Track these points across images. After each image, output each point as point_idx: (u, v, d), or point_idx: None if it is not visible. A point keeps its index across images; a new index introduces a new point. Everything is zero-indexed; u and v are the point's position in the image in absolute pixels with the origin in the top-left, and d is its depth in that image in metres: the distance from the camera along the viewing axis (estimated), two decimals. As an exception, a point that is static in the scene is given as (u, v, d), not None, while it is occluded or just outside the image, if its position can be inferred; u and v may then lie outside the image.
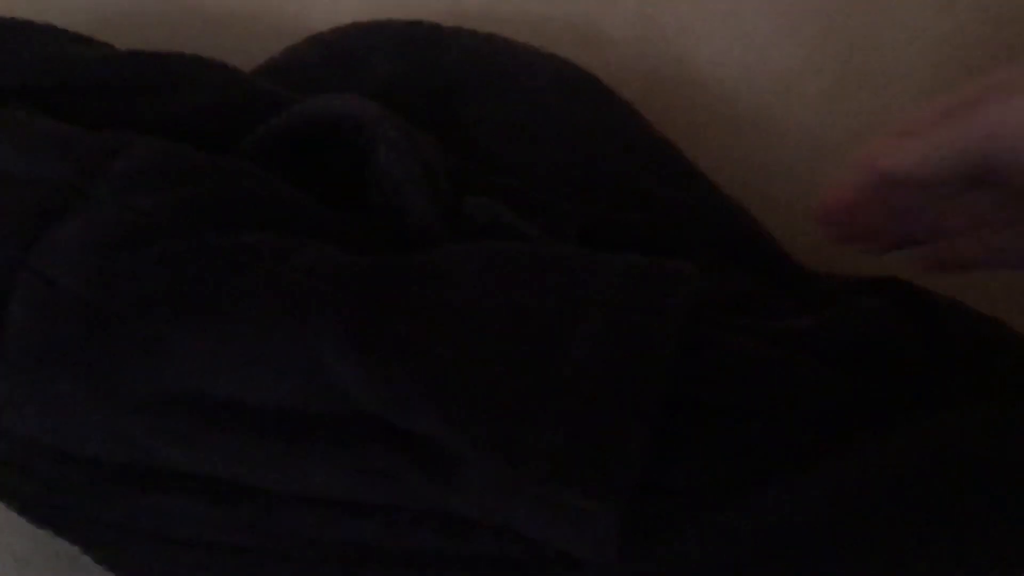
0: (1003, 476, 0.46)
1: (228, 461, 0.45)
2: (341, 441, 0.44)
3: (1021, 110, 0.39)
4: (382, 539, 0.45)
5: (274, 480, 0.45)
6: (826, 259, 0.61)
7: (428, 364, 0.43)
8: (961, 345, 0.50)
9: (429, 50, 0.63)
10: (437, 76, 0.63)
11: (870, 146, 0.46)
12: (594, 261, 0.47)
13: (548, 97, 0.61)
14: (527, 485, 0.42)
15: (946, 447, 0.46)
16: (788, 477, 0.45)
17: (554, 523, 0.42)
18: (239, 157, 0.50)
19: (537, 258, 0.46)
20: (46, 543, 0.52)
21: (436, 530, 0.45)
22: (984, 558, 0.45)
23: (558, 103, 0.61)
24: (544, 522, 0.42)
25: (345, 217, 0.52)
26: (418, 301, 0.45)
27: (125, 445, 0.45)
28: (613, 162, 0.61)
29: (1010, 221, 0.47)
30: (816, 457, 0.46)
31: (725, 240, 0.59)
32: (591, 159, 0.61)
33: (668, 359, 0.43)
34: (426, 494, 0.44)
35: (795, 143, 0.69)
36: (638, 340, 0.43)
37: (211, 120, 0.56)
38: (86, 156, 0.47)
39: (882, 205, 0.47)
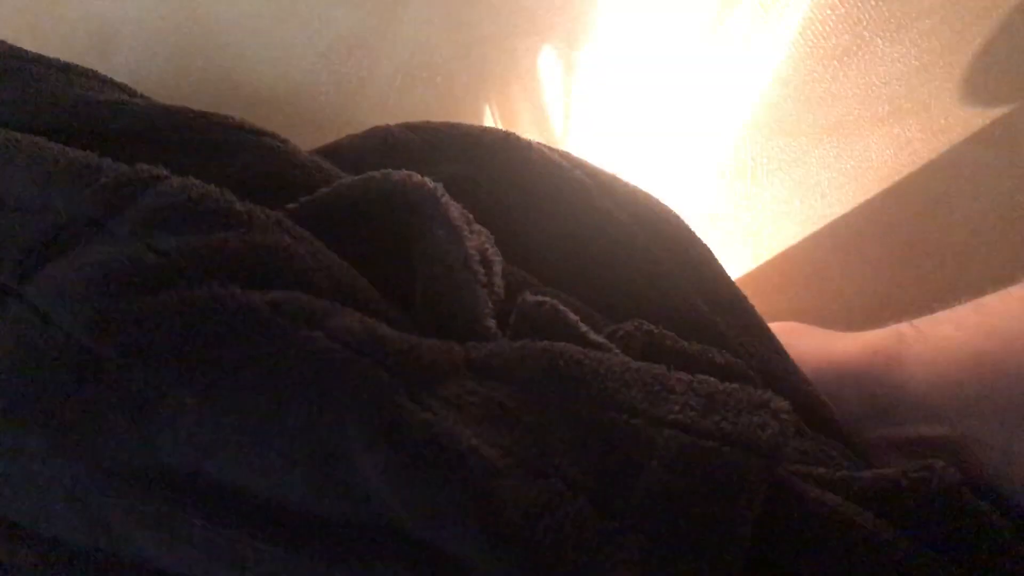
0: None
1: (212, 560, 0.37)
2: (352, 552, 0.36)
3: None
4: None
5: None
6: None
7: (474, 471, 0.35)
8: None
9: (499, 156, 0.58)
10: (504, 185, 0.57)
11: None
12: (672, 378, 0.40)
13: (622, 227, 0.56)
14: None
15: None
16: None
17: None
18: (282, 215, 0.44)
19: (607, 365, 0.40)
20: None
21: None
22: None
23: (634, 236, 0.55)
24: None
25: (387, 300, 0.45)
26: (468, 394, 0.38)
27: (93, 528, 0.38)
28: (684, 301, 0.55)
29: None
30: None
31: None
32: (662, 296, 0.54)
33: (760, 503, 0.36)
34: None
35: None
36: (727, 476, 0.36)
37: (252, 188, 0.50)
38: (113, 186, 0.41)
39: None
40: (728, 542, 0.35)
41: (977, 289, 0.64)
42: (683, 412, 0.38)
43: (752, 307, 0.55)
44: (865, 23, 0.67)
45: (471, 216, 0.48)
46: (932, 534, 0.42)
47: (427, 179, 0.47)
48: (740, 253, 0.73)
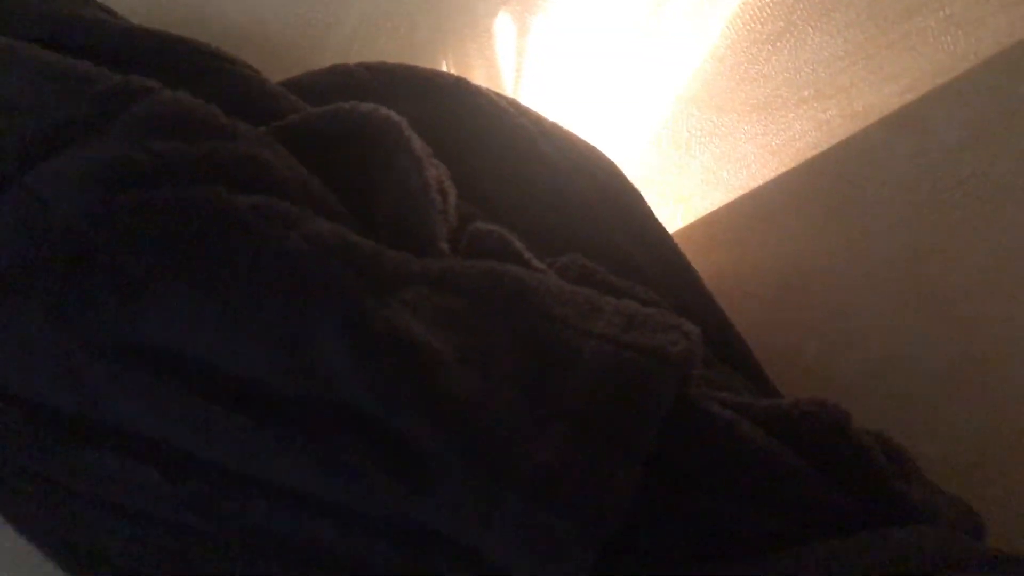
0: None
1: (186, 427, 0.41)
2: (313, 427, 0.42)
3: None
4: (334, 542, 0.42)
5: (232, 458, 0.42)
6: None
7: (426, 361, 0.41)
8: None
9: (451, 99, 0.63)
10: (455, 127, 0.63)
11: None
12: (601, 300, 0.46)
13: (561, 172, 0.62)
14: (509, 502, 0.39)
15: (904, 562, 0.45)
16: (749, 563, 0.44)
17: (528, 548, 0.40)
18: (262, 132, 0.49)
19: (546, 285, 0.46)
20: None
21: (393, 543, 0.42)
22: None
23: (571, 180, 0.62)
24: (518, 545, 0.40)
25: (354, 218, 0.50)
26: (424, 300, 0.43)
27: (77, 392, 0.42)
28: (612, 241, 0.61)
29: None
30: (779, 548, 0.45)
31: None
32: (595, 235, 0.61)
33: (668, 405, 0.42)
34: (392, 500, 0.41)
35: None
36: (641, 380, 0.42)
37: (226, 112, 0.55)
38: (108, 93, 0.45)
39: None
40: (638, 435, 0.41)
41: (879, 264, 0.72)
42: (608, 327, 0.44)
43: (676, 247, 0.61)
44: (797, 11, 0.74)
45: (431, 150, 0.53)
46: (816, 459, 0.48)
47: (392, 112, 0.52)
48: (670, 214, 0.80)
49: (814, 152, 0.76)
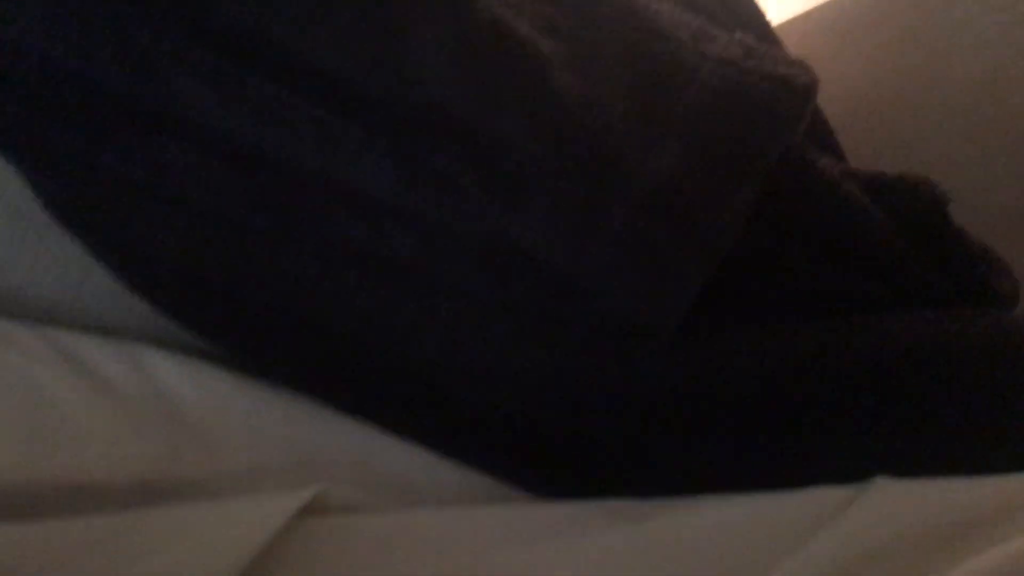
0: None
1: (260, 115, 0.37)
2: (402, 129, 0.37)
3: None
4: (414, 257, 0.39)
5: (309, 157, 0.38)
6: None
7: (531, 61, 0.37)
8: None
9: None
10: None
11: None
12: (714, 29, 0.42)
13: None
14: (614, 216, 0.36)
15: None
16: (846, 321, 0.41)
17: (631, 266, 0.36)
18: None
19: (655, 8, 0.41)
20: None
21: (478, 263, 0.39)
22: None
23: None
24: (620, 264, 0.36)
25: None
26: (525, 5, 0.39)
27: (141, 69, 0.37)
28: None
29: None
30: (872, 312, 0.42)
31: None
32: None
33: (790, 136, 0.38)
34: (482, 213, 0.38)
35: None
36: (767, 104, 0.39)
37: None
38: None
39: None
40: (759, 159, 0.37)
41: (955, 90, 0.67)
42: (726, 52, 0.40)
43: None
44: None
45: None
46: (915, 236, 0.45)
47: None
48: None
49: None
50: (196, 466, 0.40)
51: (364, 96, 0.37)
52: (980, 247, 0.48)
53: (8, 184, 0.45)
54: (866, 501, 0.39)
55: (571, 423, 0.40)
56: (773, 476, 0.40)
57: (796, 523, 0.38)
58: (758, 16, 0.54)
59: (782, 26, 0.74)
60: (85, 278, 0.45)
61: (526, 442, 0.41)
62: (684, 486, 0.39)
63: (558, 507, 0.39)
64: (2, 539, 0.32)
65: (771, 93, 0.38)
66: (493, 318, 0.38)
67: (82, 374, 0.40)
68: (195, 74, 0.37)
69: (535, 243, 0.37)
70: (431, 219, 0.38)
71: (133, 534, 0.34)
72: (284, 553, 0.36)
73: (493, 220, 0.37)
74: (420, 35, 0.37)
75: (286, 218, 0.38)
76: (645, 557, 0.36)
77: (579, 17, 0.40)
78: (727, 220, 0.36)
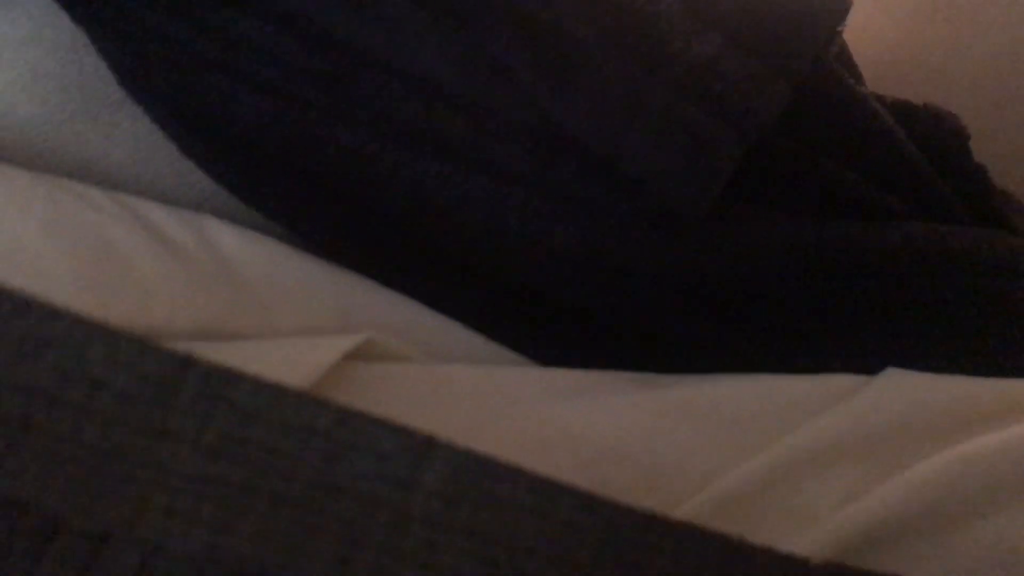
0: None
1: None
2: (464, 15, 0.40)
3: None
4: (465, 137, 0.42)
5: (373, 35, 0.41)
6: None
7: None
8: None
9: None
10: None
11: None
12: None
13: None
14: (657, 97, 0.39)
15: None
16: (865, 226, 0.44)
17: (671, 146, 0.39)
18: None
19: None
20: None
21: (525, 146, 0.41)
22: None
23: None
24: (659, 144, 0.39)
25: None
26: None
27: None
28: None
29: None
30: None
31: None
32: None
33: (825, 41, 0.41)
34: (532, 94, 0.40)
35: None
36: (805, 6, 0.41)
37: None
38: None
39: None
40: (796, 56, 0.40)
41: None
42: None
43: None
44: None
45: None
46: (935, 162, 0.48)
47: None
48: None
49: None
50: (251, 322, 0.43)
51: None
52: (998, 188, 0.51)
53: (84, 63, 0.48)
54: (877, 387, 0.42)
55: (603, 301, 0.42)
56: (789, 362, 0.42)
57: (809, 400, 0.41)
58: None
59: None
60: (152, 154, 0.48)
61: (557, 319, 0.43)
62: (701, 366, 0.42)
63: (588, 373, 0.41)
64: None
65: (810, 1, 0.41)
66: (535, 199, 0.41)
67: (150, 234, 0.43)
68: None
69: (580, 124, 0.40)
70: (483, 101, 0.41)
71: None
72: (333, 392, 0.38)
73: (541, 103, 0.40)
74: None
75: (347, 95, 0.41)
76: (671, 415, 0.39)
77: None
78: (764, 107, 0.39)
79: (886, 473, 0.39)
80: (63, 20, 0.46)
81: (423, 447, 0.27)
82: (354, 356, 0.40)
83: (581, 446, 0.37)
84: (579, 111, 0.40)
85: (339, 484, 0.26)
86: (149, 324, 0.41)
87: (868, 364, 0.42)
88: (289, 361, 0.38)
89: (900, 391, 0.41)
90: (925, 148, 0.48)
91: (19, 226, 0.41)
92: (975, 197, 0.48)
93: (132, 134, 0.48)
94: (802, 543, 0.35)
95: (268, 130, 0.42)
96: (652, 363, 0.43)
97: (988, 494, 0.35)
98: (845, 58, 0.54)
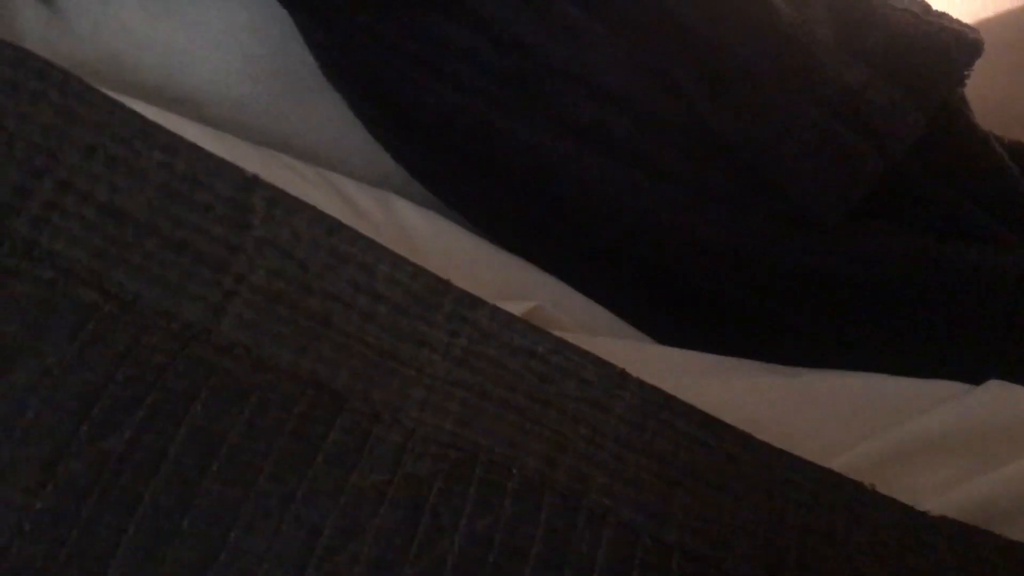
0: None
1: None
2: (638, 32, 0.47)
3: None
4: (627, 138, 0.48)
5: (556, 46, 0.47)
6: None
7: None
8: None
9: None
10: None
11: None
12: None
13: None
14: (811, 115, 0.44)
15: None
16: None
17: (821, 156, 0.44)
18: None
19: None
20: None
21: (682, 150, 0.47)
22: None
23: None
24: (811, 154, 0.45)
25: None
26: None
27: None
28: None
29: None
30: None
31: None
32: None
33: (958, 78, 0.46)
34: (693, 105, 0.46)
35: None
36: (941, 47, 0.46)
37: None
38: None
39: None
40: (932, 89, 0.45)
41: None
42: (911, 5, 0.48)
43: None
44: None
45: None
46: None
47: None
48: None
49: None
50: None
51: (614, 2, 0.47)
52: None
53: (290, 51, 0.56)
54: (980, 395, 0.46)
55: (738, 292, 0.48)
56: (900, 365, 0.47)
57: (918, 398, 0.46)
58: None
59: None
60: (344, 136, 0.56)
61: (694, 307, 0.49)
62: (818, 360, 0.47)
63: (722, 358, 0.47)
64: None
65: (946, 41, 0.46)
66: (686, 195, 0.47)
67: (345, 202, 0.50)
68: None
69: (736, 132, 0.46)
70: (647, 107, 0.47)
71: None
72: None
73: (700, 111, 0.46)
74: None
75: (529, 93, 0.48)
76: (795, 398, 0.44)
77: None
78: (902, 132, 0.44)
79: (988, 468, 0.44)
80: (274, 11, 0.54)
81: (618, 378, 0.33)
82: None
83: (719, 413, 0.43)
84: (737, 121, 0.45)
85: (550, 399, 0.32)
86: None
87: (973, 375, 0.47)
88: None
89: (1003, 399, 0.46)
90: None
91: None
92: None
93: (327, 117, 0.55)
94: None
95: (454, 120, 0.49)
96: (775, 353, 0.48)
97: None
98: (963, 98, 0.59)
